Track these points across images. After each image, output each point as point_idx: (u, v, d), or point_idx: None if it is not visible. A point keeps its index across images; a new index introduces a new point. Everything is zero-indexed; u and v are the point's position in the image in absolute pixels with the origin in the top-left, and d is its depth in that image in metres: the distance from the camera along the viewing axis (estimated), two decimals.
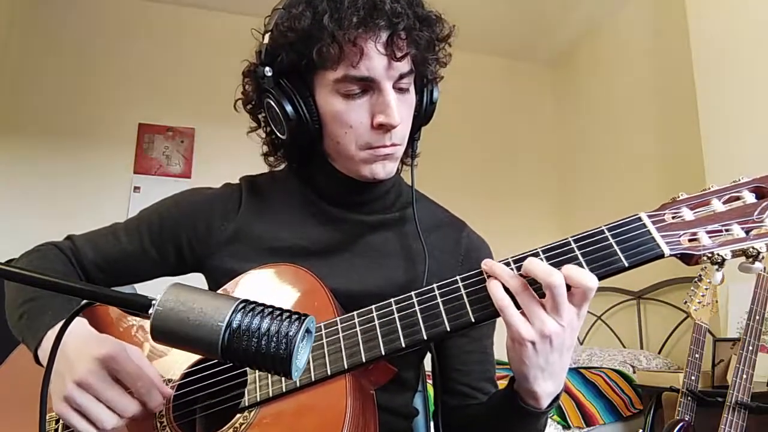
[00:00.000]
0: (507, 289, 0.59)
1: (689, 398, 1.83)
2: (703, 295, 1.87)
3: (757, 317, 1.64)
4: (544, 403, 0.63)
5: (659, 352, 2.94)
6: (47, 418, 0.71)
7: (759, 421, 1.68)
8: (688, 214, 0.59)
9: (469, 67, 3.86)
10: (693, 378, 1.83)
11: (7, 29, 3.29)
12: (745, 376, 1.60)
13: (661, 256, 0.58)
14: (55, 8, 3.41)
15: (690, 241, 0.57)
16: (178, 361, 0.74)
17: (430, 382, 0.94)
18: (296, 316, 0.45)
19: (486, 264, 0.61)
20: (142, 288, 0.72)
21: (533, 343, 0.57)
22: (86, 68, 3.40)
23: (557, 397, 0.64)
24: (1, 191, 3.16)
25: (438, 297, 0.63)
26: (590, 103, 3.85)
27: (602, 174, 3.64)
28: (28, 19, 3.36)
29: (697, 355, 1.85)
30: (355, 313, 0.66)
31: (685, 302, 1.91)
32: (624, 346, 3.22)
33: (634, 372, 2.61)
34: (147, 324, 0.46)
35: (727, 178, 0.62)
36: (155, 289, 0.49)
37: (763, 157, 2.15)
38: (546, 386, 0.61)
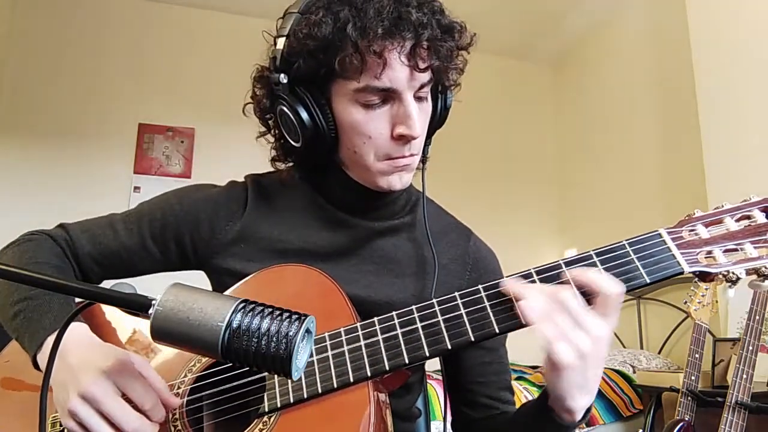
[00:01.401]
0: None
1: (689, 398, 1.83)
2: (703, 295, 1.87)
3: (757, 317, 1.64)
4: (579, 416, 0.63)
5: (659, 352, 2.94)
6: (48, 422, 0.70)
7: (759, 421, 1.68)
8: (703, 232, 0.61)
9: (469, 67, 3.86)
10: (693, 378, 1.83)
11: (8, 29, 3.29)
12: (745, 376, 1.60)
13: (681, 273, 0.59)
14: (56, 8, 3.41)
15: (706, 258, 0.60)
16: (182, 361, 0.73)
17: (431, 382, 0.94)
18: (296, 316, 0.45)
19: (512, 289, 0.61)
20: (142, 288, 0.71)
21: (573, 368, 0.57)
22: (86, 68, 3.40)
23: (590, 408, 0.64)
24: (1, 191, 3.16)
25: (461, 307, 0.63)
26: (590, 103, 3.85)
27: (602, 174, 3.64)
28: (28, 19, 3.36)
29: (697, 355, 1.85)
30: (375, 319, 0.65)
31: (685, 302, 1.91)
32: (624, 346, 3.22)
33: (634, 372, 2.61)
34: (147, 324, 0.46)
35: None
36: (155, 289, 0.49)
37: (763, 156, 2.15)
38: (582, 401, 0.61)
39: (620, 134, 3.47)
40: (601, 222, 3.55)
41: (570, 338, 0.56)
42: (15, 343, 0.77)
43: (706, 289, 1.88)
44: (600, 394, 2.46)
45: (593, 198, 3.72)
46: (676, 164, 2.99)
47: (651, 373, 2.38)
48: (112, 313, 0.80)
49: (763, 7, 2.21)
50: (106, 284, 0.77)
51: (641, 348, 3.09)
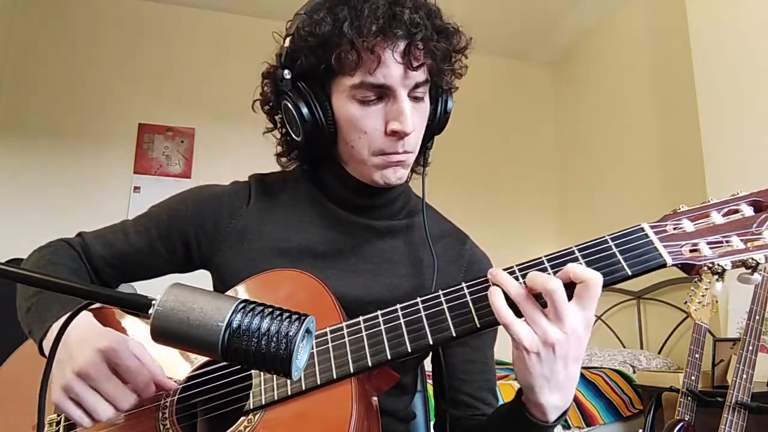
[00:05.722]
0: (509, 299, 0.59)
1: (689, 398, 1.83)
2: (703, 295, 1.87)
3: (757, 317, 1.64)
4: (551, 416, 0.62)
5: (659, 352, 2.94)
6: (48, 420, 0.71)
7: (759, 421, 1.68)
8: (688, 226, 0.61)
9: (469, 67, 3.86)
10: (693, 378, 1.83)
11: (8, 29, 3.29)
12: (745, 376, 1.60)
13: (664, 265, 0.59)
14: (56, 8, 3.41)
15: (691, 251, 0.59)
16: (183, 363, 0.73)
17: (430, 382, 0.94)
18: (296, 316, 0.45)
19: (491, 273, 0.62)
20: (143, 288, 0.72)
21: (537, 354, 0.57)
22: (86, 68, 3.40)
23: (565, 412, 0.63)
24: (2, 191, 3.16)
25: (444, 303, 0.64)
26: (590, 103, 3.85)
27: (602, 173, 3.64)
28: (28, 19, 3.36)
29: (697, 355, 1.85)
30: (360, 318, 0.67)
31: (685, 302, 1.91)
32: (624, 346, 3.22)
33: (634, 372, 2.61)
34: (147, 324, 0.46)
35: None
36: (156, 289, 0.49)
37: (763, 155, 2.15)
38: (552, 398, 0.60)
39: (620, 134, 3.47)
40: (601, 222, 3.54)
41: (537, 322, 0.57)
42: (21, 349, 0.79)
43: (706, 289, 1.87)
44: (600, 394, 2.46)
45: (593, 198, 3.72)
46: (677, 164, 2.99)
47: (651, 373, 2.38)
48: (121, 317, 0.80)
49: (763, 7, 2.21)
50: None
51: (641, 348, 3.09)
